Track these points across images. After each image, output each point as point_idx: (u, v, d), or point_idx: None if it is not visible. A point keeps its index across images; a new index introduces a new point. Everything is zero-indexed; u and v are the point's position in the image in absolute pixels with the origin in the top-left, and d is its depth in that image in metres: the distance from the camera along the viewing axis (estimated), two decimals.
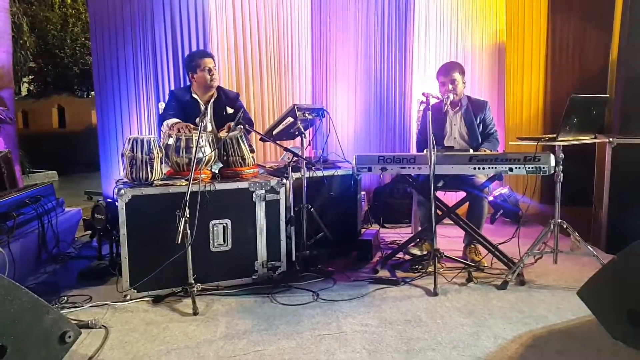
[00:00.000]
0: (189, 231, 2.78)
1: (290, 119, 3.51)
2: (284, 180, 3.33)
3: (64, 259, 3.81)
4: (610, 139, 3.76)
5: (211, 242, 3.12)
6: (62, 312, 2.65)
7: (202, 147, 3.09)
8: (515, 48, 5.25)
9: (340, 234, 3.71)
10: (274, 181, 3.26)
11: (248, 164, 3.36)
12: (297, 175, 3.45)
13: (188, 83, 3.85)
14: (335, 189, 3.85)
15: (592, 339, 2.43)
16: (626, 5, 4.02)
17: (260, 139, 4.12)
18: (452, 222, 3.61)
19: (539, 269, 3.42)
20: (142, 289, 2.99)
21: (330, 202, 3.79)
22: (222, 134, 3.37)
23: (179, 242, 2.69)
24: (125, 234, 2.94)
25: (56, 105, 13.97)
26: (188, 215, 2.75)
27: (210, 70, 3.67)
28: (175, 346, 2.42)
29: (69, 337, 2.12)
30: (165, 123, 3.48)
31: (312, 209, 3.45)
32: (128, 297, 2.97)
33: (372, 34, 4.99)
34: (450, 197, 4.53)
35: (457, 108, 3.82)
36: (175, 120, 3.43)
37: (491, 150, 3.61)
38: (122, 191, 2.92)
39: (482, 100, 3.93)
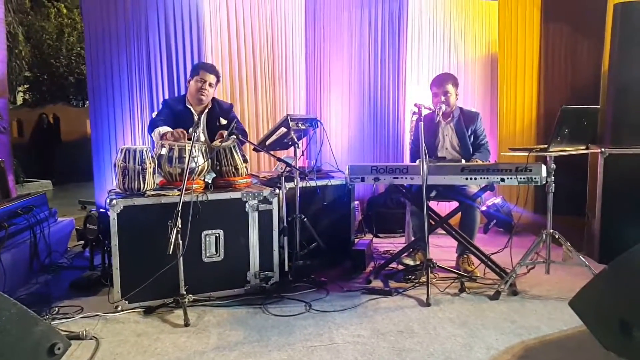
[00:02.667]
0: (180, 242, 2.77)
1: (283, 129, 3.51)
2: (277, 190, 3.33)
3: (56, 269, 3.79)
4: (602, 150, 3.78)
5: (203, 252, 3.11)
6: (53, 323, 2.66)
7: (195, 157, 3.09)
8: (508, 59, 5.29)
9: (333, 244, 3.70)
10: (267, 191, 3.26)
11: (241, 173, 3.36)
12: (291, 185, 3.45)
13: (183, 92, 3.84)
14: (329, 199, 3.84)
15: (584, 349, 2.44)
16: (616, 17, 4.07)
17: (254, 149, 4.12)
18: (445, 232, 3.61)
19: (531, 279, 3.42)
20: (134, 300, 2.97)
21: (324, 212, 3.78)
22: (216, 143, 3.37)
23: (170, 252, 2.68)
24: (117, 244, 2.93)
25: (51, 115, 13.93)
26: (180, 226, 2.74)
27: (203, 82, 3.62)
28: (166, 358, 2.41)
29: (58, 348, 2.09)
30: (156, 130, 3.46)
31: (305, 219, 3.44)
32: (119, 308, 2.95)
33: (366, 45, 5.02)
34: (443, 207, 4.53)
35: (449, 119, 3.84)
36: (166, 128, 3.42)
37: (482, 161, 3.63)
38: (114, 201, 2.91)
39: (474, 111, 3.95)
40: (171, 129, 3.39)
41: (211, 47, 4.67)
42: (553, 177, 3.15)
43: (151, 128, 3.58)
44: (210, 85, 3.67)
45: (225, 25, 4.71)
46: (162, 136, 3.34)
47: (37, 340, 2.05)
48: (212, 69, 3.73)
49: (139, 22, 4.54)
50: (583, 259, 3.14)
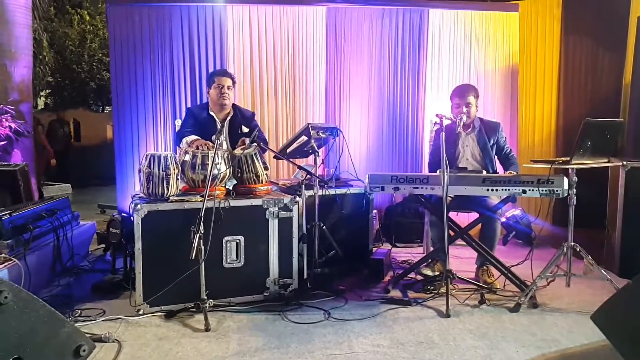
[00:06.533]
0: (202, 247, 2.80)
1: (304, 138, 3.55)
2: (297, 198, 3.35)
3: (78, 272, 3.85)
4: (624, 163, 3.75)
5: (224, 258, 3.14)
6: (75, 324, 2.68)
7: (218, 164, 3.13)
8: (528, 70, 5.28)
9: (351, 253, 3.72)
10: (287, 199, 3.29)
11: (262, 181, 3.38)
12: (310, 193, 3.47)
13: (205, 101, 3.91)
14: (347, 208, 3.86)
15: None
16: None
17: (275, 157, 4.16)
18: (464, 243, 3.60)
19: (551, 291, 3.39)
20: (155, 304, 3.01)
21: (342, 221, 3.80)
22: (238, 151, 3.41)
23: (192, 257, 2.71)
24: (140, 248, 2.97)
25: (72, 119, 14.16)
26: (202, 231, 2.78)
27: (222, 87, 3.69)
28: None
29: (84, 350, 2.13)
30: (184, 140, 3.52)
31: (324, 227, 3.46)
32: (141, 312, 2.99)
33: (386, 55, 5.04)
34: (463, 218, 4.52)
35: (469, 129, 3.84)
36: (194, 137, 3.48)
37: (518, 172, 3.61)
38: (139, 206, 2.96)
39: (495, 121, 3.95)
40: (198, 137, 3.44)
41: (233, 55, 4.75)
42: (575, 190, 3.13)
43: (178, 140, 3.64)
44: (228, 88, 3.72)
45: (248, 35, 4.79)
46: (190, 144, 3.39)
47: (64, 341, 2.09)
48: (225, 73, 3.81)
49: (163, 32, 4.64)
50: (604, 273, 3.11)
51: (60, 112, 11.48)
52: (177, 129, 3.94)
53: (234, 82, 3.80)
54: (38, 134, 9.85)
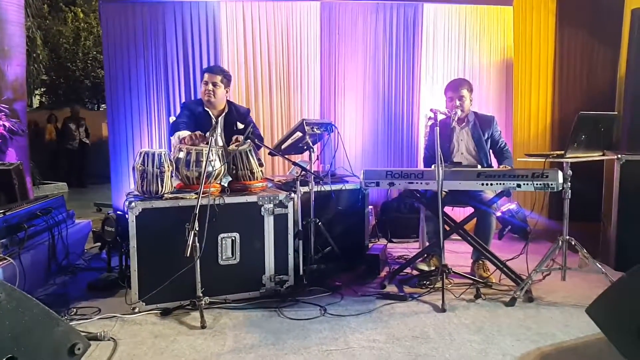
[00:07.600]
0: (197, 244, 2.79)
1: (299, 134, 3.54)
2: (292, 194, 3.34)
3: (74, 270, 3.84)
4: (619, 156, 3.76)
5: (219, 255, 3.13)
6: (71, 323, 2.67)
7: (212, 160, 3.12)
8: (523, 64, 5.27)
9: (347, 249, 3.71)
10: (282, 195, 3.28)
11: (257, 177, 3.38)
12: (305, 189, 3.47)
13: (200, 97, 3.89)
14: (343, 204, 3.86)
15: (602, 357, 2.42)
16: (634, 22, 4.04)
17: (269, 153, 4.15)
18: (460, 238, 3.60)
19: (547, 285, 3.40)
20: (151, 302, 3.00)
21: (338, 217, 3.80)
22: (232, 147, 3.40)
23: (187, 255, 2.71)
24: (135, 246, 2.96)
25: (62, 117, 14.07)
26: (197, 229, 2.77)
27: (207, 83, 3.64)
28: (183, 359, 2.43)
29: (79, 349, 2.13)
30: (176, 134, 3.50)
31: (320, 223, 3.46)
32: (137, 310, 2.98)
33: (381, 50, 5.03)
34: (458, 213, 4.52)
35: (464, 124, 3.84)
36: (185, 133, 3.46)
37: (512, 166, 3.61)
38: (133, 204, 2.94)
39: (489, 115, 3.95)
40: (190, 133, 3.43)
41: (227, 52, 4.74)
42: (569, 184, 3.14)
43: (172, 131, 3.62)
44: (214, 84, 3.65)
45: (242, 31, 4.78)
46: (182, 140, 3.38)
47: (59, 340, 2.08)
48: (215, 69, 3.75)
49: (157, 28, 4.63)
50: (599, 266, 3.12)
51: (75, 108, 11.28)
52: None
53: (226, 79, 3.72)
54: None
